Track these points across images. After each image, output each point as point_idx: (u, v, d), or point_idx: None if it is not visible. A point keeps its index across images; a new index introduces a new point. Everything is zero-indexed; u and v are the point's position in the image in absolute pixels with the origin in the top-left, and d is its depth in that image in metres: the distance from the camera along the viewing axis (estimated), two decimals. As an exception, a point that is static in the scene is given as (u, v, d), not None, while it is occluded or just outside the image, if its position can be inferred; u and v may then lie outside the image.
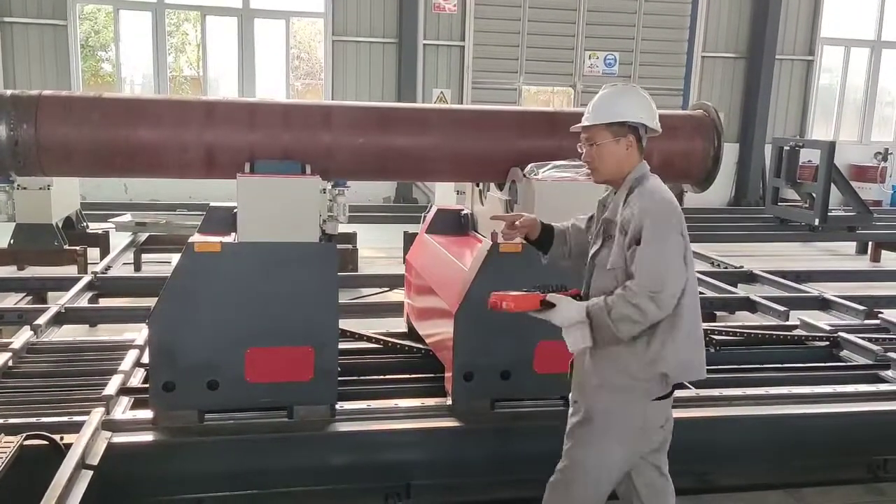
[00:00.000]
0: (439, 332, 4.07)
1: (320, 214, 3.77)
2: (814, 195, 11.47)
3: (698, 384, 4.41)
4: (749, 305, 6.31)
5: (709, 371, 4.65)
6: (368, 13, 13.52)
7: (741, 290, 6.91)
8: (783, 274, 7.45)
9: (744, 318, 6.35)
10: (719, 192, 14.67)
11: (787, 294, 6.74)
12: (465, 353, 3.75)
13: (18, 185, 7.33)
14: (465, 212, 4.81)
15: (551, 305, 2.61)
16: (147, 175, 4.06)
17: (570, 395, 2.85)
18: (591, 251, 2.75)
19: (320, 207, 3.87)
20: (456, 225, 4.83)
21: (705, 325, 5.46)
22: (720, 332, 5.19)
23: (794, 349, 5.18)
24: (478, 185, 4.59)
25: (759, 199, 14.85)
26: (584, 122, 2.74)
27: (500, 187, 4.18)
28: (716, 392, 4.23)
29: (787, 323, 5.70)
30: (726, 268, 7.92)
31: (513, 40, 13.98)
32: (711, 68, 14.91)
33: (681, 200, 11.93)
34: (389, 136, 4.04)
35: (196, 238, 3.72)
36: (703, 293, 6.86)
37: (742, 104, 15.00)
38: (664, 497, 2.85)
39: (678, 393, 4.20)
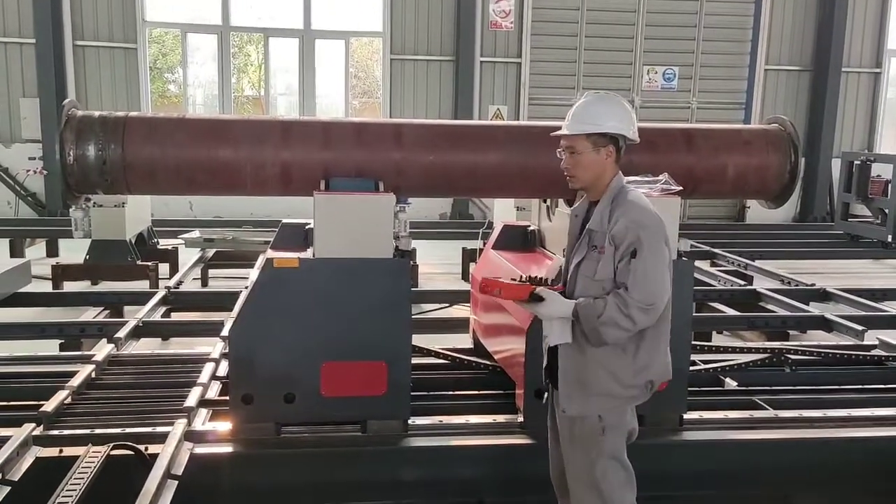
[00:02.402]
0: (509, 348, 4.07)
1: (394, 230, 3.82)
2: (885, 210, 11.10)
3: (776, 405, 4.32)
4: (824, 324, 6.14)
5: (786, 392, 4.63)
6: (426, 32, 13.69)
7: (814, 309, 6.72)
8: (858, 292, 7.22)
9: (817, 338, 6.17)
10: (785, 207, 14.11)
11: (862, 313, 6.53)
12: (537, 370, 3.73)
13: (95, 203, 7.61)
14: (531, 228, 4.81)
15: (540, 299, 2.70)
16: (226, 193, 4.17)
17: (556, 402, 2.87)
18: (575, 260, 2.79)
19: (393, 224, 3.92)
20: (522, 241, 4.83)
21: (779, 344, 5.40)
22: (795, 352, 5.05)
23: (873, 370, 5.01)
24: (545, 201, 4.59)
25: (826, 214, 14.44)
26: (564, 130, 2.80)
27: (570, 203, 4.17)
28: (795, 413, 4.12)
29: (865, 343, 5.52)
30: (797, 285, 7.72)
31: (570, 56, 13.96)
32: (775, 81, 14.62)
33: (742, 216, 11.74)
34: (458, 153, 4.08)
35: (273, 254, 3.81)
36: (774, 311, 6.71)
37: (807, 118, 14.64)
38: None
39: (758, 414, 4.15)
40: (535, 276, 2.88)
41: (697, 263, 8.09)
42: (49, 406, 3.63)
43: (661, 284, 2.61)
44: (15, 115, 12.81)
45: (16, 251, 9.48)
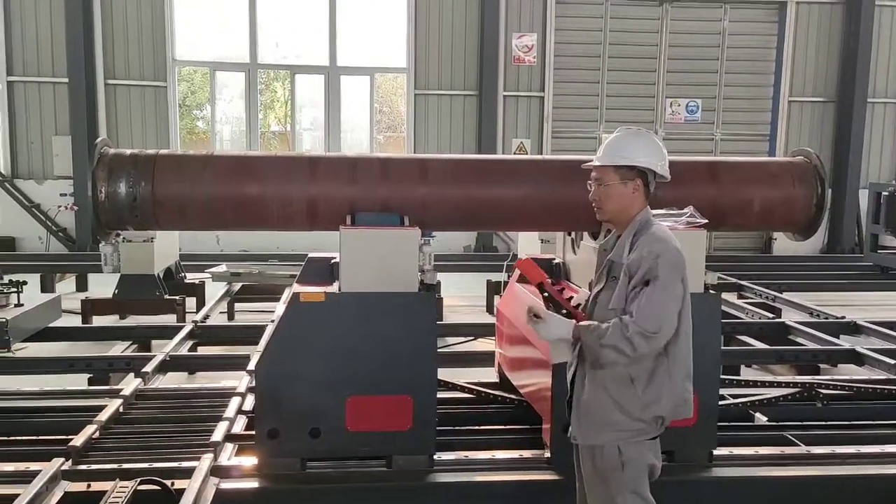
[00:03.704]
0: (535, 382, 4.04)
1: (419, 264, 3.83)
2: (916, 241, 10.92)
3: (808, 440, 4.23)
4: (855, 358, 6.02)
5: (818, 427, 4.54)
6: (450, 67, 13.86)
7: (845, 342, 6.60)
8: (889, 324, 7.08)
9: (849, 371, 6.06)
10: (812, 239, 14.01)
11: (895, 346, 6.40)
12: (564, 405, 3.69)
13: (124, 239, 7.73)
14: (556, 261, 4.80)
15: (538, 317, 2.74)
16: (253, 228, 4.23)
17: (571, 430, 2.87)
18: (594, 291, 2.82)
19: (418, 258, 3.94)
20: (547, 274, 4.81)
21: (810, 378, 5.30)
22: (827, 387, 4.95)
23: (908, 405, 4.90)
24: (569, 234, 4.59)
25: (854, 246, 14.24)
26: (595, 161, 2.85)
27: (594, 236, 4.17)
28: (828, 450, 4.04)
29: (899, 377, 5.41)
30: (826, 318, 7.60)
31: (592, 89, 14.04)
32: (799, 113, 14.55)
33: (769, 248, 11.59)
34: (483, 187, 4.10)
35: (300, 288, 3.83)
36: (803, 344, 6.60)
37: (833, 149, 14.53)
38: None
39: (789, 450, 4.07)
40: (569, 297, 2.87)
41: (724, 296, 8.02)
42: (77, 441, 3.66)
43: (667, 315, 2.61)
44: (48, 152, 13.12)
45: (47, 286, 9.64)
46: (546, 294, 2.84)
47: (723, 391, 4.59)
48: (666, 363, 2.67)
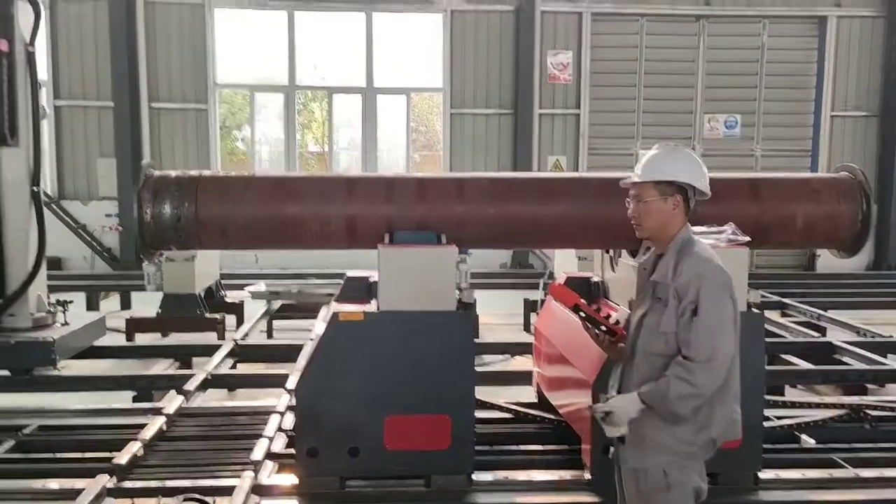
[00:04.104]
0: (574, 402, 4.01)
1: (457, 283, 3.84)
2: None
3: (856, 463, 4.12)
4: (904, 378, 5.86)
5: (867, 450, 4.41)
6: (485, 86, 13.92)
7: (892, 362, 6.42)
8: (940, 344, 6.88)
9: (897, 392, 5.90)
10: (857, 256, 13.77)
11: (946, 365, 6.21)
12: (604, 425, 3.65)
13: (167, 258, 7.88)
14: (594, 279, 4.77)
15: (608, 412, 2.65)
16: (293, 247, 4.28)
17: (619, 452, 2.79)
18: (639, 313, 2.75)
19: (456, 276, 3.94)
20: (585, 292, 4.78)
21: (857, 399, 5.16)
22: (875, 407, 4.82)
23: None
24: (608, 252, 4.55)
25: (901, 262, 13.89)
26: (633, 178, 2.80)
27: (633, 254, 4.14)
28: (876, 472, 3.93)
29: (951, 398, 5.24)
30: (873, 337, 7.40)
31: (629, 106, 13.97)
32: (841, 128, 14.29)
33: (813, 265, 11.31)
34: (520, 205, 4.11)
35: (339, 307, 3.86)
36: (850, 364, 6.44)
37: (877, 164, 14.21)
38: None
39: (837, 473, 3.97)
40: (606, 315, 2.82)
41: (767, 314, 7.85)
42: (122, 458, 3.73)
43: (724, 341, 2.55)
44: (93, 174, 13.46)
45: (92, 305, 9.85)
46: (583, 314, 2.79)
47: (767, 412, 4.50)
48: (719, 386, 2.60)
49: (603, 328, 2.78)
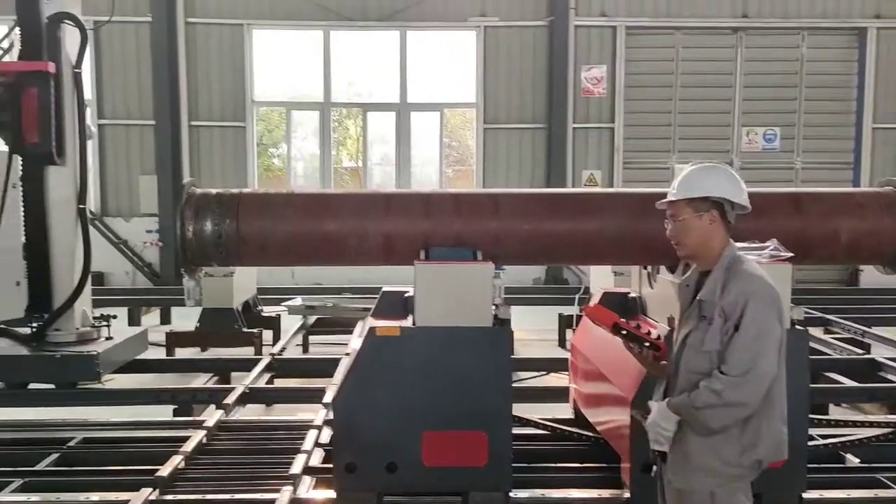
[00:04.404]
0: (613, 419, 3.97)
1: (493, 299, 3.84)
2: None
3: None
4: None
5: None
6: (518, 101, 13.94)
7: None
8: None
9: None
10: (901, 269, 13.48)
11: None
12: (645, 443, 3.61)
13: (206, 273, 8.00)
14: (632, 294, 4.73)
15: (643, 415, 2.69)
16: (330, 263, 4.33)
17: (665, 472, 2.75)
18: (683, 331, 2.71)
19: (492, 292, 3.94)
20: (622, 308, 4.73)
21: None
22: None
23: None
24: (645, 268, 4.52)
25: (948, 277, 13.48)
26: (668, 198, 2.78)
27: (672, 270, 4.10)
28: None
29: None
30: (926, 355, 7.21)
31: (665, 119, 13.85)
32: (884, 140, 13.99)
33: (856, 280, 11.04)
34: (556, 221, 4.10)
35: (375, 322, 3.89)
36: (894, 381, 6.28)
37: (922, 175, 13.89)
38: None
39: (883, 494, 3.86)
40: (647, 331, 2.80)
41: (810, 331, 7.69)
42: (164, 471, 3.79)
43: (763, 358, 2.50)
44: (134, 191, 13.75)
45: (133, 319, 10.04)
46: (624, 332, 2.77)
47: (811, 431, 4.41)
48: (764, 405, 2.57)
49: (646, 344, 2.75)
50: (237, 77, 13.72)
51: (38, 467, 4.30)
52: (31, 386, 5.83)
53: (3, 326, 6.02)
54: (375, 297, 4.45)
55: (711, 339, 2.57)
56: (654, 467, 2.83)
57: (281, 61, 14.36)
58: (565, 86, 13.62)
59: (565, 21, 13.45)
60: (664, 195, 2.84)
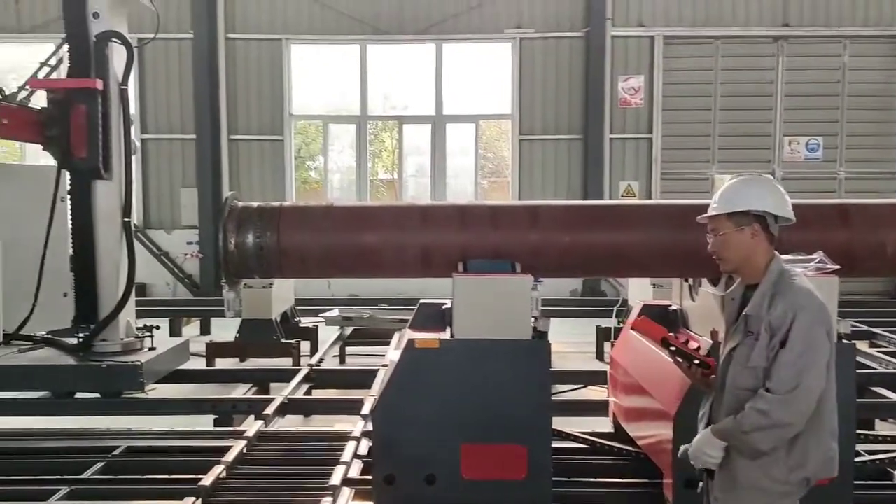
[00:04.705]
0: (654, 434, 3.92)
1: (532, 311, 3.83)
2: None
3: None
4: None
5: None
6: (554, 111, 13.90)
7: None
8: None
9: None
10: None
11: None
12: (686, 458, 3.56)
13: (245, 285, 8.10)
14: (673, 307, 4.67)
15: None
16: (369, 275, 4.37)
17: (712, 490, 2.69)
18: (729, 346, 2.66)
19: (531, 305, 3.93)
20: (663, 321, 4.66)
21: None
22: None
23: None
24: (687, 280, 4.46)
25: None
26: (709, 212, 2.74)
27: (714, 282, 4.04)
28: None
29: None
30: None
31: (704, 129, 13.69)
32: (929, 148, 13.67)
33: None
34: (596, 233, 4.08)
35: (414, 334, 3.90)
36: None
37: (970, 185, 13.53)
38: None
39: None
40: (694, 347, 2.76)
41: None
42: (207, 480, 3.84)
43: (810, 375, 2.44)
44: (176, 203, 14.03)
45: (174, 330, 10.20)
46: (673, 348, 2.73)
47: (858, 447, 4.30)
48: (812, 421, 2.51)
49: (696, 361, 2.70)
50: (275, 91, 13.93)
51: (84, 475, 4.39)
52: (78, 395, 5.96)
53: (50, 336, 6.18)
54: (411, 309, 4.46)
55: (758, 356, 2.52)
56: (701, 483, 2.78)
57: (318, 75, 14.56)
58: (602, 96, 13.57)
59: (602, 31, 13.42)
60: (706, 207, 2.81)
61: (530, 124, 13.94)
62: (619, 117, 13.81)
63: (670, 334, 2.74)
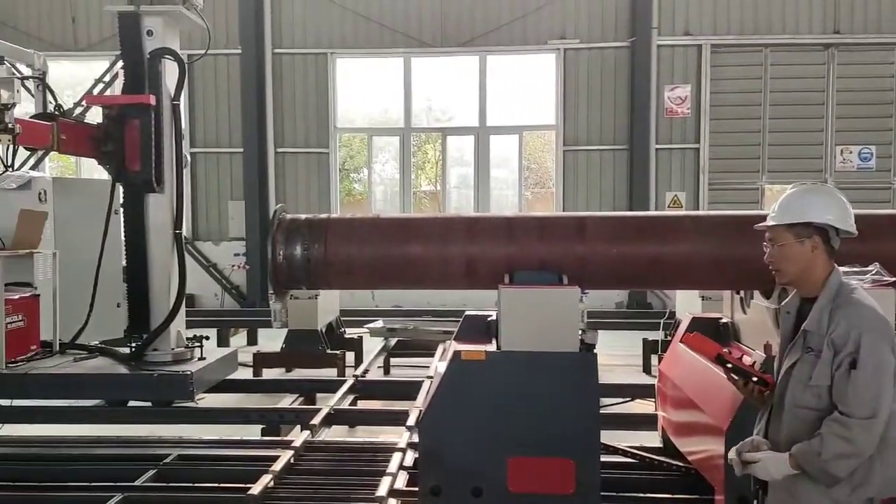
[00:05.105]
0: (705, 449, 3.84)
1: (579, 324, 3.80)
2: None
3: None
4: None
5: None
6: (598, 122, 13.81)
7: None
8: None
9: None
10: None
11: None
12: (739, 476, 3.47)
13: (292, 296, 8.20)
14: (723, 320, 4.58)
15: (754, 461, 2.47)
16: (414, 286, 4.37)
17: None
18: (787, 363, 2.54)
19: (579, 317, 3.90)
20: (714, 334, 4.58)
21: None
22: None
23: None
24: (738, 293, 4.38)
25: None
26: (768, 221, 2.63)
27: (767, 294, 3.96)
28: None
29: None
30: None
31: (753, 139, 13.44)
32: None
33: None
34: (644, 245, 4.03)
35: (460, 346, 3.89)
36: None
37: None
38: None
39: None
40: (749, 363, 2.68)
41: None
42: (255, 489, 3.88)
43: (882, 396, 2.35)
44: (224, 216, 14.30)
45: (222, 340, 10.37)
46: (729, 365, 2.65)
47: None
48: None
49: (754, 378, 2.62)
50: (321, 104, 14.13)
51: (137, 482, 4.47)
52: (130, 403, 6.09)
53: (104, 346, 6.34)
54: (454, 321, 4.46)
55: (820, 374, 2.42)
56: (756, 502, 2.71)
57: (362, 88, 14.73)
58: (648, 106, 13.44)
59: (648, 41, 13.30)
60: (759, 218, 2.74)
61: (574, 135, 13.86)
62: (665, 127, 13.65)
63: (725, 350, 2.66)
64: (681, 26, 13.44)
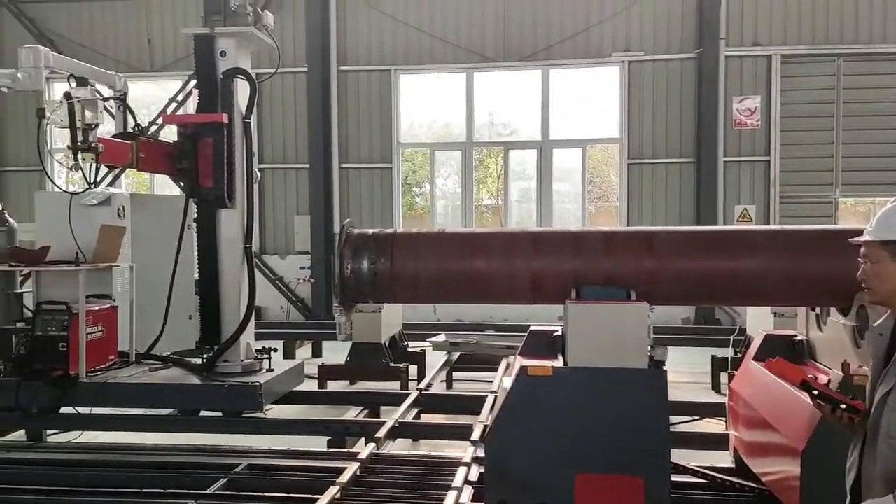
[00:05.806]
0: (780, 470, 3.72)
1: (648, 340, 3.73)
2: None
3: None
4: None
5: None
6: (664, 135, 13.59)
7: None
8: None
9: None
10: None
11: None
12: (815, 496, 3.36)
13: (357, 309, 8.27)
14: (798, 338, 4.44)
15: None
16: (478, 301, 4.38)
17: None
18: (882, 390, 2.35)
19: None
20: (788, 352, 4.45)
21: None
22: None
23: None
24: (813, 310, 4.24)
25: None
26: (863, 236, 2.46)
27: (844, 312, 3.82)
28: None
29: None
30: None
31: (826, 151, 13.01)
32: None
33: None
34: (716, 260, 3.95)
35: (526, 362, 3.88)
36: None
37: None
38: None
39: None
40: (825, 382, 2.56)
41: None
42: (323, 500, 3.93)
43: None
44: (290, 230, 14.61)
45: (288, 352, 10.56)
46: (815, 392, 2.52)
47: None
48: None
49: (843, 406, 2.49)
50: (384, 120, 14.32)
51: (209, 490, 4.58)
52: (201, 413, 6.25)
53: (178, 357, 6.54)
54: (517, 335, 4.44)
55: None
56: None
57: (425, 103, 14.88)
58: (715, 118, 13.16)
59: (716, 52, 13.05)
60: (843, 232, 2.62)
61: (639, 148, 13.68)
62: (734, 139, 13.34)
63: (810, 376, 2.52)
64: (749, 37, 13.15)
